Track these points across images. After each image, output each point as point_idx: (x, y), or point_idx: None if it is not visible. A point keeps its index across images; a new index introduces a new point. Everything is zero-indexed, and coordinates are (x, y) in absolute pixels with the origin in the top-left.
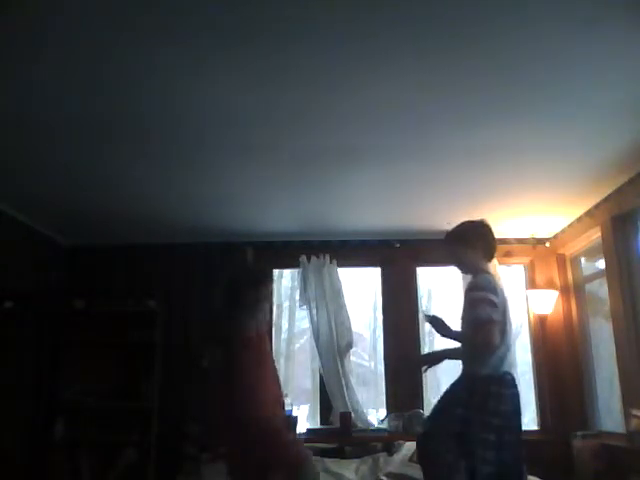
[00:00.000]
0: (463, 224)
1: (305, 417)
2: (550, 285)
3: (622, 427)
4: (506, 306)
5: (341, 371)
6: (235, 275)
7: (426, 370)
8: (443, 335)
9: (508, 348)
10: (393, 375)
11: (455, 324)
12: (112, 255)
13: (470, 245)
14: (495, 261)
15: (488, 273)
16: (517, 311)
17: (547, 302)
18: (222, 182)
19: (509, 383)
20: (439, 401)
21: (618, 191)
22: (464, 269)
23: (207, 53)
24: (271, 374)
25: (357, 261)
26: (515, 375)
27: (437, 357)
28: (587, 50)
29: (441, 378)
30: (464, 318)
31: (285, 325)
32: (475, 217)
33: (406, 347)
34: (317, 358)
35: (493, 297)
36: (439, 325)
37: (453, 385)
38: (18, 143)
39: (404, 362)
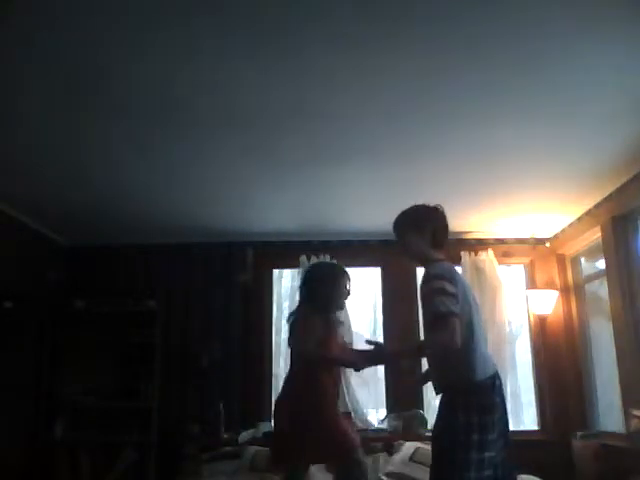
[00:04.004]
0: (412, 207)
1: None
2: (550, 285)
3: (622, 427)
4: (468, 295)
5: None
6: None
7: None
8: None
9: (483, 343)
10: (393, 375)
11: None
12: (112, 255)
13: (417, 230)
14: (495, 261)
15: (441, 260)
16: (517, 311)
17: (547, 302)
18: (223, 182)
19: (497, 390)
20: (439, 438)
21: (618, 191)
22: (411, 256)
23: (207, 54)
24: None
25: (357, 261)
26: (515, 376)
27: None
28: (587, 50)
29: None
30: (424, 316)
31: (285, 325)
32: (475, 217)
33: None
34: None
35: (449, 287)
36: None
37: (441, 412)
38: (18, 143)
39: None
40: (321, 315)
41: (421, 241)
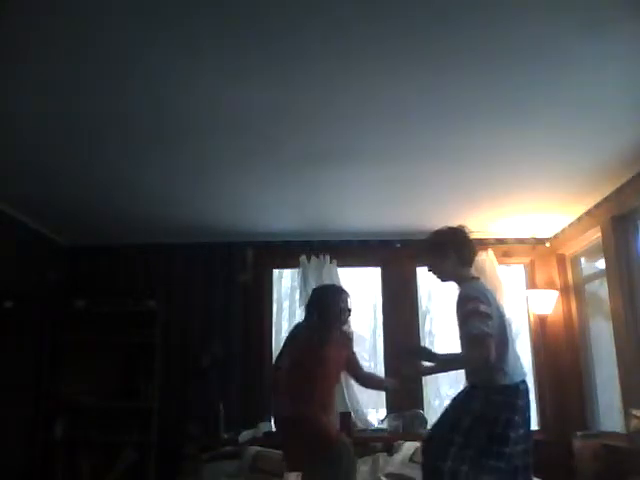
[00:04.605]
0: (433, 233)
1: None
2: (550, 285)
3: (622, 427)
4: (500, 311)
5: None
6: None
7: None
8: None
9: (514, 354)
10: (393, 375)
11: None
12: (112, 255)
13: (441, 254)
14: (495, 261)
15: (473, 279)
16: (517, 311)
17: (547, 302)
18: (222, 182)
19: (523, 394)
20: (447, 410)
21: (618, 191)
22: (443, 278)
23: (207, 55)
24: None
25: (357, 261)
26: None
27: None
28: (587, 50)
29: (441, 379)
30: (460, 335)
31: (285, 325)
32: (475, 217)
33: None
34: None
35: (483, 307)
36: (425, 354)
37: (464, 395)
38: (18, 143)
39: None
40: (320, 331)
41: (447, 262)
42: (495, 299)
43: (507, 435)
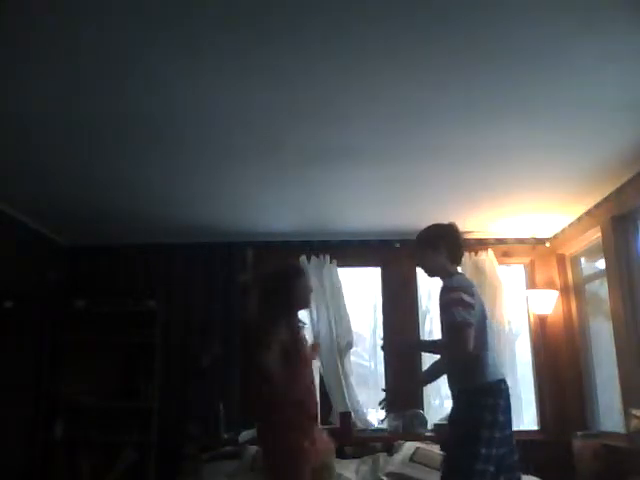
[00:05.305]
0: (427, 228)
1: None
2: (550, 285)
3: (622, 427)
4: (482, 307)
5: (341, 371)
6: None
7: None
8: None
9: (493, 350)
10: (393, 375)
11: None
12: (112, 255)
13: (433, 248)
14: (495, 261)
15: (458, 274)
16: (517, 311)
17: (547, 302)
18: (222, 182)
19: (504, 394)
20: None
21: (618, 191)
22: (429, 272)
23: (207, 54)
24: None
25: (357, 261)
26: (515, 376)
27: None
28: (587, 50)
29: (441, 378)
30: (442, 324)
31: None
32: (475, 217)
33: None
34: (317, 358)
35: (467, 297)
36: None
37: (453, 405)
38: (18, 143)
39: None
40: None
41: (437, 257)
42: (478, 294)
43: (494, 437)
